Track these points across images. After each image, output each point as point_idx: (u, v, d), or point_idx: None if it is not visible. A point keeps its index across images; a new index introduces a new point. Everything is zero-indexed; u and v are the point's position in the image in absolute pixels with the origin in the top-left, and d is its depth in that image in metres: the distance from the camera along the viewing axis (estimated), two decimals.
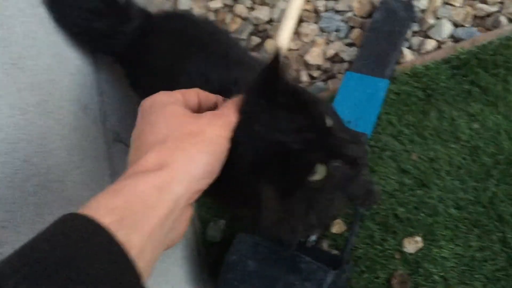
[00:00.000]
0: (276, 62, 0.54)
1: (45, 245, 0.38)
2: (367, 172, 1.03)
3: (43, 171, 0.72)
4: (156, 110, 0.51)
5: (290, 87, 0.56)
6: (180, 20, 0.95)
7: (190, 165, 0.47)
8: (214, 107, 0.58)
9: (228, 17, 1.39)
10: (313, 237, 1.02)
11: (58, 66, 0.84)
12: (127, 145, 0.97)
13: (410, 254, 0.99)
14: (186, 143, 0.48)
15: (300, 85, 1.24)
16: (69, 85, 0.86)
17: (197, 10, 1.42)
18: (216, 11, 1.41)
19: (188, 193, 0.47)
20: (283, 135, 0.52)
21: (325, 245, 1.05)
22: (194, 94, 0.57)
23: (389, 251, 1.00)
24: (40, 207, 0.69)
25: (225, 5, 1.41)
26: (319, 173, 0.54)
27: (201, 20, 1.04)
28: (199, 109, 0.57)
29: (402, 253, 0.99)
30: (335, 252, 1.03)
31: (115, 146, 0.94)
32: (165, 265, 0.95)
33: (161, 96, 0.54)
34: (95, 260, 0.37)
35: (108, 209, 0.41)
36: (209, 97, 0.59)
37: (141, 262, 0.40)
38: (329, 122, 0.55)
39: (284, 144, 0.51)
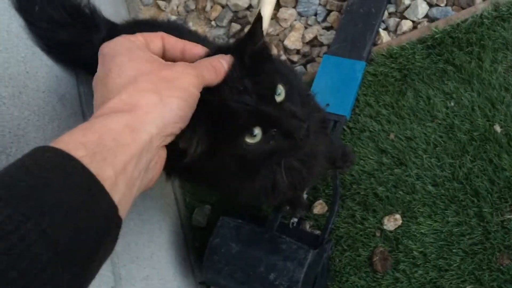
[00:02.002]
0: (253, 28, 0.56)
1: (19, 172, 0.38)
2: (339, 137, 1.08)
3: None
4: (122, 53, 0.51)
5: (260, 53, 0.58)
6: (145, 26, 0.95)
7: (164, 108, 0.48)
8: (181, 55, 0.58)
9: (208, 5, 1.40)
10: (294, 219, 1.04)
11: (33, 58, 0.85)
12: None
13: (390, 231, 1.01)
14: (160, 87, 0.48)
15: None
16: (45, 76, 0.86)
17: None
18: None
19: (161, 135, 0.48)
20: (229, 94, 0.55)
21: (307, 226, 1.07)
22: (158, 39, 0.56)
23: (370, 229, 1.02)
24: None
25: None
26: (256, 136, 0.57)
27: (164, 24, 1.04)
28: (164, 55, 0.57)
29: (382, 230, 1.01)
30: (317, 232, 1.05)
31: None
32: (150, 249, 0.96)
33: (123, 40, 0.53)
34: (69, 188, 0.38)
35: (80, 144, 0.41)
36: (176, 44, 0.58)
37: (116, 195, 0.41)
38: (279, 91, 0.57)
39: (227, 101, 0.55)
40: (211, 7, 1.39)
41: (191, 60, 0.56)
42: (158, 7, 1.44)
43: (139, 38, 0.54)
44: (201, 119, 0.53)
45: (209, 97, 0.53)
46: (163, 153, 0.51)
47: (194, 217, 1.17)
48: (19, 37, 0.83)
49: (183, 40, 0.59)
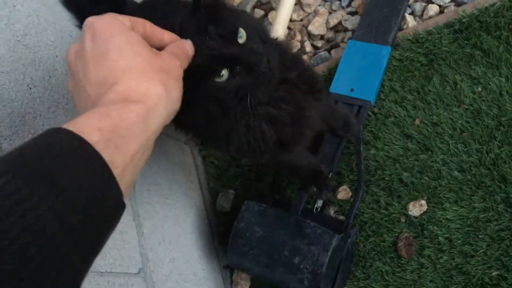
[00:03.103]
0: None
1: (34, 152, 0.39)
2: (343, 106, 1.08)
3: None
4: (118, 33, 0.51)
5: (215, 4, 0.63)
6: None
7: (168, 100, 0.50)
8: (159, 44, 0.58)
9: None
10: (319, 203, 1.04)
11: (62, 42, 0.86)
12: None
13: (415, 217, 1.00)
14: (163, 77, 0.50)
15: (305, 55, 1.25)
16: None
17: None
18: None
19: (164, 123, 0.51)
20: (197, 41, 0.59)
21: (331, 211, 1.07)
22: (142, 25, 0.57)
23: (394, 215, 1.02)
24: None
25: None
26: (223, 76, 0.61)
27: None
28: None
29: (407, 216, 1.01)
30: (341, 218, 1.05)
31: None
32: (176, 233, 0.98)
33: (115, 20, 0.53)
34: (82, 172, 0.39)
35: (96, 129, 0.41)
36: (156, 35, 0.58)
37: (122, 182, 0.42)
38: (241, 34, 0.62)
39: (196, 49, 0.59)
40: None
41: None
42: None
43: (127, 20, 0.54)
44: None
45: None
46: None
47: (218, 202, 1.18)
48: (48, 22, 0.85)
49: (162, 30, 0.59)
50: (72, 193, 0.38)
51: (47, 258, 0.35)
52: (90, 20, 0.52)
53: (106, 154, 0.41)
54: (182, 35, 0.60)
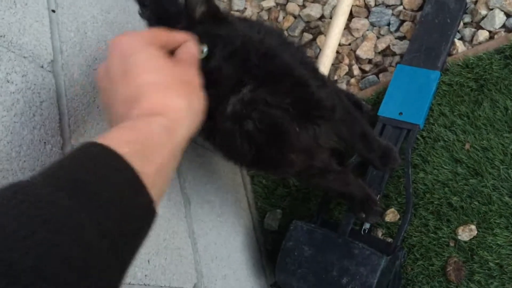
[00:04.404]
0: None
1: (75, 166, 0.42)
2: (379, 140, 1.01)
3: None
4: (139, 50, 0.54)
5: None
6: None
7: (191, 111, 0.54)
8: (175, 46, 0.62)
9: (280, 16, 1.44)
10: (367, 225, 1.06)
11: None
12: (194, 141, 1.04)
13: (465, 242, 1.00)
14: (185, 90, 0.54)
15: (352, 79, 1.28)
16: None
17: (251, 10, 1.48)
18: (269, 10, 1.46)
19: (190, 134, 0.54)
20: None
21: (379, 233, 1.08)
22: (158, 35, 0.60)
23: (443, 239, 1.02)
24: None
25: (278, 4, 1.46)
26: (204, 52, 0.66)
27: None
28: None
29: (457, 241, 1.01)
30: (389, 240, 1.06)
31: None
32: (227, 250, 1.01)
33: (136, 36, 0.57)
34: (118, 184, 0.42)
35: (125, 142, 0.44)
36: (171, 39, 0.61)
37: (153, 191, 0.44)
38: (204, 50, 0.66)
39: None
40: (284, 17, 1.44)
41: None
42: None
43: (146, 34, 0.58)
44: None
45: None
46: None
47: (265, 221, 1.21)
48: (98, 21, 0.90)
49: (174, 33, 0.63)
50: (112, 205, 0.40)
51: (93, 268, 0.37)
52: (113, 40, 0.57)
53: (136, 165, 0.43)
54: None
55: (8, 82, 0.62)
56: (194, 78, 0.58)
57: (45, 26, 0.73)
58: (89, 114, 0.76)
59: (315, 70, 0.94)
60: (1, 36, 0.63)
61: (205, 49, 0.66)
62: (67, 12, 0.79)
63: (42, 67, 0.69)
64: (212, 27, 0.69)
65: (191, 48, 0.62)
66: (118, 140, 0.45)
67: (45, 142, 0.64)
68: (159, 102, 0.51)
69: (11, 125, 0.60)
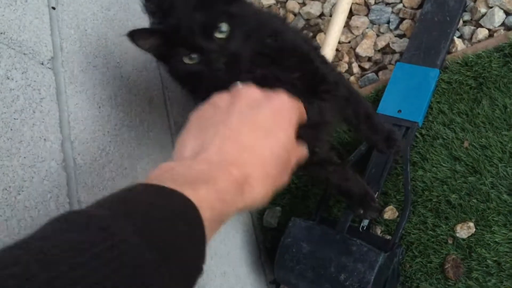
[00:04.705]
0: None
1: (156, 213, 0.40)
2: (384, 123, 1.04)
3: (117, 159, 0.80)
4: (289, 126, 0.55)
5: None
6: None
7: (264, 199, 0.52)
8: None
9: (281, 13, 1.44)
10: (365, 222, 1.06)
11: (126, 64, 0.92)
12: None
13: (463, 239, 1.01)
14: (274, 187, 0.53)
15: (352, 76, 1.28)
16: (136, 80, 0.94)
17: None
18: (269, 7, 1.46)
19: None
20: (183, 21, 0.68)
21: (378, 230, 1.08)
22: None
23: (442, 236, 1.02)
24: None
25: (278, 1, 1.46)
26: (193, 59, 0.69)
27: None
28: None
29: (455, 238, 1.01)
30: (387, 237, 1.06)
31: (177, 137, 1.02)
32: (227, 248, 1.01)
33: (296, 109, 0.58)
34: (185, 243, 0.40)
35: (210, 207, 0.43)
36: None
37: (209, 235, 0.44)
38: (224, 29, 0.68)
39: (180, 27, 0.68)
40: (284, 15, 1.44)
41: None
42: None
43: (301, 111, 0.60)
44: (158, 31, 0.70)
45: (169, 18, 0.69)
46: None
47: (265, 218, 1.21)
48: (115, 44, 0.91)
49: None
50: (179, 261, 0.39)
51: None
52: (278, 93, 0.56)
53: (207, 231, 0.42)
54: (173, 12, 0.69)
55: (8, 78, 0.62)
56: (286, 180, 0.55)
57: (45, 23, 0.74)
58: (89, 111, 0.76)
59: (316, 49, 0.96)
60: (1, 33, 0.64)
61: (226, 28, 0.67)
62: (67, 9, 0.80)
63: (42, 64, 0.70)
64: (228, 5, 0.70)
65: (304, 152, 0.61)
66: (206, 202, 0.43)
67: (45, 139, 0.65)
68: (252, 185, 0.49)
69: (11, 121, 0.60)
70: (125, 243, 0.34)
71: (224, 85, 0.67)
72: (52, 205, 0.62)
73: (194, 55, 0.69)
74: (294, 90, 0.74)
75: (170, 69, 0.76)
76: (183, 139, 0.54)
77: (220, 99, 0.56)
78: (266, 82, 0.71)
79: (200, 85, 0.72)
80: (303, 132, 0.79)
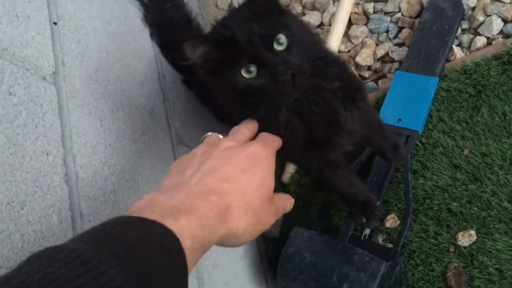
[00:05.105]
0: None
1: (136, 246, 0.40)
2: (391, 132, 1.06)
3: (119, 171, 0.81)
4: (268, 166, 0.59)
5: (271, 5, 0.68)
6: None
7: (248, 237, 0.55)
8: None
9: None
10: (366, 231, 1.06)
11: (127, 77, 0.93)
12: (189, 147, 1.05)
13: (464, 247, 1.01)
14: (258, 227, 0.56)
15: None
16: (137, 93, 0.95)
17: None
18: None
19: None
20: (240, 32, 0.66)
21: (380, 239, 1.08)
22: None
23: (443, 244, 1.03)
24: (118, 204, 0.78)
25: None
26: (251, 73, 0.66)
27: None
28: None
29: (456, 246, 1.01)
30: (389, 246, 1.06)
31: (179, 149, 1.03)
32: (229, 257, 1.02)
33: (273, 158, 0.60)
34: (168, 273, 0.41)
35: (191, 236, 0.44)
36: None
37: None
38: (282, 41, 0.66)
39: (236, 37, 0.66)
40: None
41: None
42: None
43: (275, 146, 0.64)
44: (211, 40, 0.67)
45: (223, 30, 0.66)
46: None
47: None
48: (116, 58, 0.92)
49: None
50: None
51: None
52: (253, 144, 0.60)
53: (188, 260, 0.43)
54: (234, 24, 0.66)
55: (11, 94, 0.63)
56: (271, 222, 0.58)
57: (47, 38, 0.75)
58: (90, 124, 0.77)
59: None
60: (4, 49, 0.65)
61: (284, 39, 0.66)
62: (68, 24, 0.81)
63: (44, 78, 0.70)
64: (281, 18, 0.69)
65: (288, 201, 0.64)
66: (187, 232, 0.44)
67: (47, 153, 0.66)
68: (234, 209, 0.51)
69: (14, 136, 0.61)
70: (106, 275, 0.35)
71: (284, 100, 0.71)
72: (55, 219, 0.63)
73: (252, 68, 0.66)
74: (335, 98, 0.77)
75: (219, 85, 0.73)
76: (164, 180, 0.57)
77: (197, 149, 0.59)
78: (313, 91, 0.74)
79: (254, 102, 0.69)
80: (342, 139, 0.82)
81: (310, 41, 0.73)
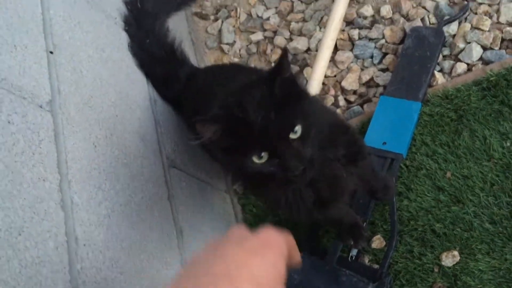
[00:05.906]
0: (281, 60, 0.65)
1: None
2: (395, 174, 1.14)
3: (112, 196, 0.83)
4: (278, 261, 0.52)
5: (289, 85, 0.67)
6: (216, 69, 1.19)
7: None
8: None
9: (268, 49, 1.49)
10: (353, 252, 1.09)
11: (120, 103, 0.95)
12: (181, 169, 1.07)
13: (448, 267, 1.03)
14: None
15: (338, 109, 1.32)
16: (130, 118, 0.97)
17: (240, 43, 1.53)
18: (257, 43, 1.52)
19: None
20: (255, 118, 0.64)
21: (366, 260, 1.11)
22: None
23: (428, 265, 1.05)
24: (112, 228, 0.79)
25: (266, 37, 1.51)
26: (262, 158, 0.67)
27: (228, 66, 1.29)
28: None
29: (440, 266, 1.04)
30: (375, 266, 1.09)
31: (170, 172, 1.05)
32: None
33: (282, 256, 0.57)
34: None
35: None
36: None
37: None
38: (296, 130, 0.66)
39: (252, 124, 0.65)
40: (271, 50, 1.49)
41: None
42: (222, 50, 1.55)
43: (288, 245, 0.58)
44: (225, 120, 0.66)
45: (239, 113, 0.65)
46: None
47: None
48: (110, 84, 0.94)
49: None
50: None
51: None
52: (266, 230, 0.55)
53: None
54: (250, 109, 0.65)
55: (9, 123, 0.65)
56: None
57: (44, 67, 0.77)
58: (85, 150, 0.79)
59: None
60: (2, 79, 0.67)
61: (300, 129, 0.67)
62: (64, 53, 0.83)
63: (41, 107, 0.73)
64: (299, 105, 0.68)
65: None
66: None
67: (44, 180, 0.68)
68: None
69: (12, 164, 0.63)
70: None
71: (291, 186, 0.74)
72: (51, 244, 0.65)
73: (264, 154, 0.67)
74: (339, 165, 0.82)
75: (229, 161, 0.74)
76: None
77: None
78: (323, 165, 0.77)
79: (261, 182, 0.72)
80: (345, 197, 0.88)
81: (325, 121, 0.75)
